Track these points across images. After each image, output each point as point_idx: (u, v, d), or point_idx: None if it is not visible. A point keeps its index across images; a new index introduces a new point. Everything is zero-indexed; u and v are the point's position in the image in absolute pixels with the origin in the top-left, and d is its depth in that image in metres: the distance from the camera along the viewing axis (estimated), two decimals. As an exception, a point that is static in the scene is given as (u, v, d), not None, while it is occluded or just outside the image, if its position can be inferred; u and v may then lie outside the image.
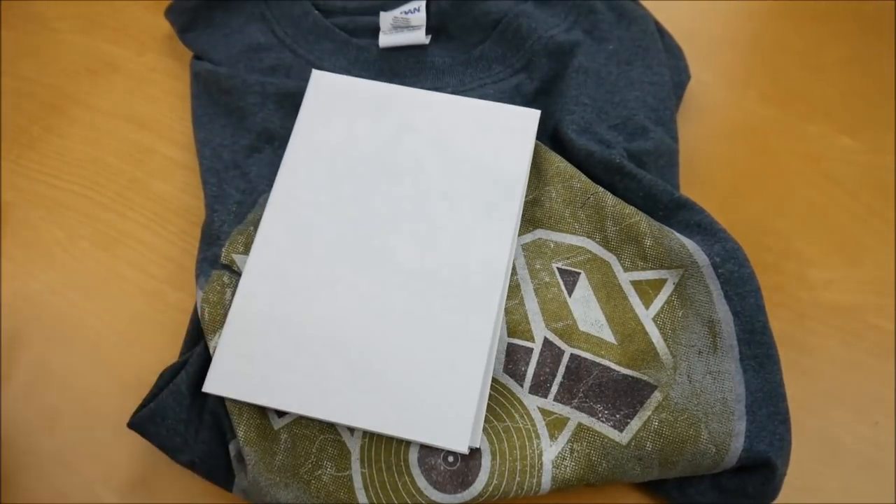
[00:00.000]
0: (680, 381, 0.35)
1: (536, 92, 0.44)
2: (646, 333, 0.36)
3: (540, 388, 0.35)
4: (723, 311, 0.36)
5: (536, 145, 0.40)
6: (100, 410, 0.39)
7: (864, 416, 0.38)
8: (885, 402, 0.38)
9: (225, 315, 0.37)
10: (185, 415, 0.36)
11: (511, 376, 0.36)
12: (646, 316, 0.36)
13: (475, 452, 0.34)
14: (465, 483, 0.33)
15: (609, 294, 0.37)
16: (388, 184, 0.40)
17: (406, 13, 0.45)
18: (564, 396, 0.35)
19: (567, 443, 0.34)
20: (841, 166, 0.45)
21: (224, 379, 0.35)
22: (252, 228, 0.39)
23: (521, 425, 0.35)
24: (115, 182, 0.46)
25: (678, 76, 0.45)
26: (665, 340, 0.36)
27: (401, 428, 0.34)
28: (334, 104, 0.42)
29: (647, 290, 0.37)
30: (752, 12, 0.51)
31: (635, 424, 0.34)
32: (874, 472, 0.37)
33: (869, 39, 0.49)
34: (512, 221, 0.38)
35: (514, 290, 0.38)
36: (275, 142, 0.42)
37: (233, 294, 0.37)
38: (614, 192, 0.39)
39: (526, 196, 0.40)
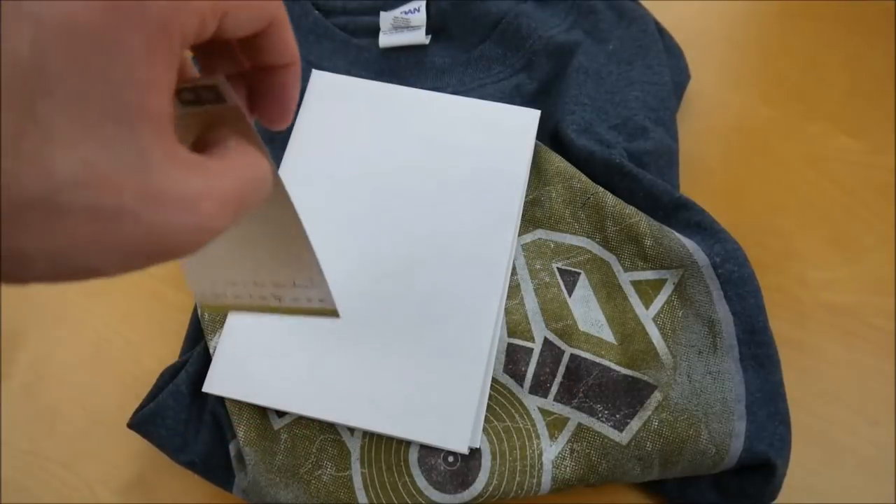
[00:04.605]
0: (680, 382, 0.35)
1: (536, 92, 0.44)
2: (646, 333, 0.36)
3: (540, 388, 0.35)
4: (723, 312, 0.36)
5: (536, 145, 0.40)
6: (100, 410, 0.39)
7: (864, 416, 0.38)
8: (885, 402, 0.38)
9: (225, 315, 0.37)
10: (185, 415, 0.36)
11: (511, 376, 0.36)
12: (646, 316, 0.36)
13: (475, 452, 0.34)
14: (465, 483, 0.33)
15: (609, 294, 0.37)
16: (388, 184, 0.40)
17: (406, 13, 0.45)
18: (564, 396, 0.35)
19: (567, 443, 0.34)
20: (841, 166, 0.45)
21: (224, 379, 0.35)
22: (252, 228, 0.39)
23: (521, 425, 0.35)
24: (115, 182, 0.46)
25: (678, 76, 0.45)
26: (665, 340, 0.36)
27: (401, 428, 0.34)
28: (334, 104, 0.42)
29: (647, 290, 0.37)
30: (752, 12, 0.51)
31: (635, 424, 0.34)
32: (874, 472, 0.37)
33: (869, 39, 0.49)
34: (512, 221, 0.38)
35: (514, 290, 0.38)
36: (275, 142, 0.42)
37: (233, 294, 0.37)
38: (614, 192, 0.39)
39: (526, 196, 0.40)
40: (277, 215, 0.28)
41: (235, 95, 0.22)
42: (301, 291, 0.30)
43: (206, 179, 0.18)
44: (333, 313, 0.31)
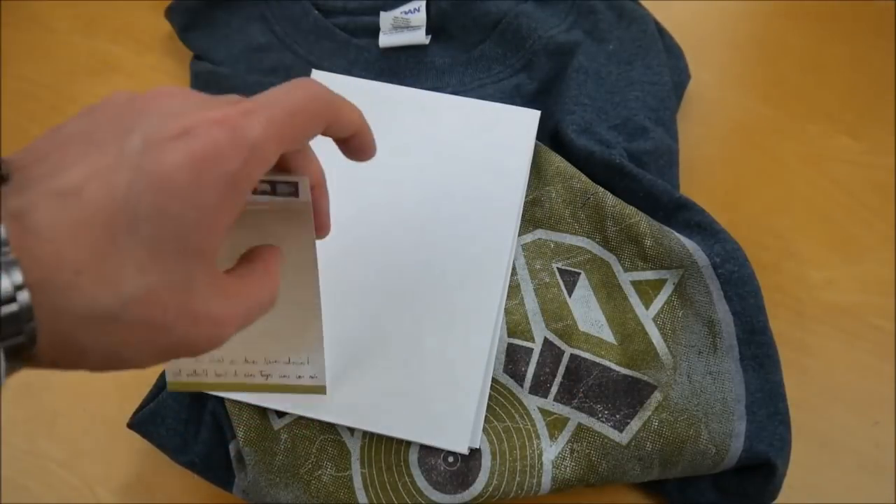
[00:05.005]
0: (680, 382, 0.35)
1: (536, 92, 0.44)
2: (646, 333, 0.36)
3: (540, 388, 0.35)
4: (723, 312, 0.36)
5: (536, 145, 0.40)
6: (100, 410, 0.39)
7: (864, 416, 0.38)
8: (885, 402, 0.38)
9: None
10: (185, 415, 0.36)
11: (511, 376, 0.36)
12: (646, 316, 0.36)
13: (475, 453, 0.34)
14: (465, 483, 0.33)
15: (609, 294, 0.37)
16: (388, 184, 0.40)
17: (406, 13, 0.45)
18: (564, 397, 0.35)
19: (567, 443, 0.34)
20: (841, 166, 0.45)
21: (224, 379, 0.35)
22: (252, 228, 0.39)
23: (521, 425, 0.35)
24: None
25: (678, 76, 0.45)
26: (665, 340, 0.36)
27: (401, 428, 0.34)
28: (334, 104, 0.42)
29: (647, 291, 0.37)
30: (752, 12, 0.51)
31: (635, 425, 0.34)
32: (874, 472, 0.37)
33: (869, 39, 0.49)
34: (512, 222, 0.38)
35: (514, 290, 0.38)
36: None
37: (233, 294, 0.37)
38: (614, 193, 0.39)
39: (526, 196, 0.40)
40: (300, 296, 0.29)
41: (310, 193, 0.26)
42: (293, 368, 0.31)
43: (230, 302, 0.22)
44: (321, 390, 0.32)
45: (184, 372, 0.30)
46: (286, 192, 0.25)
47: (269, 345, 0.30)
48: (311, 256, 0.29)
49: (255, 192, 0.25)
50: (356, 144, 0.28)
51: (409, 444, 0.34)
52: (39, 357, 0.19)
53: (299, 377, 0.31)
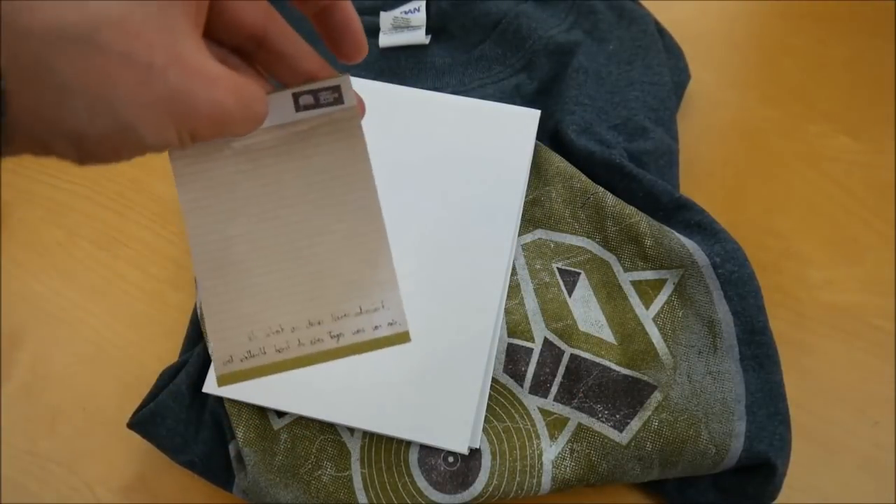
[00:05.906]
0: (680, 382, 0.35)
1: (536, 92, 0.44)
2: (646, 333, 0.36)
3: (540, 388, 0.35)
4: (723, 312, 0.36)
5: (536, 145, 0.40)
6: (100, 410, 0.39)
7: (864, 416, 0.38)
8: (885, 402, 0.38)
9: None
10: (185, 415, 0.36)
11: (511, 376, 0.36)
12: (646, 316, 0.36)
13: (475, 453, 0.34)
14: (465, 483, 0.33)
15: (609, 294, 0.37)
16: (388, 184, 0.39)
17: (406, 13, 0.45)
18: (564, 397, 0.35)
19: (567, 443, 0.34)
20: (841, 166, 0.45)
21: (224, 379, 0.35)
22: (252, 228, 0.39)
23: (521, 425, 0.35)
24: (115, 182, 0.46)
25: (678, 76, 0.45)
26: (665, 340, 0.36)
27: (401, 428, 0.34)
28: (334, 104, 0.42)
29: (647, 290, 0.37)
30: (752, 12, 0.51)
31: (635, 425, 0.34)
32: (874, 472, 0.37)
33: (869, 39, 0.49)
34: (512, 221, 0.38)
35: (514, 290, 0.38)
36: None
37: (233, 294, 0.37)
38: (614, 192, 0.39)
39: (526, 196, 0.40)
40: (359, 221, 0.26)
41: (355, 95, 0.25)
42: (366, 319, 0.26)
43: (223, 70, 0.21)
44: (404, 338, 0.27)
45: (236, 357, 0.25)
46: (329, 100, 0.25)
47: (332, 294, 0.26)
48: (366, 170, 0.26)
49: (297, 108, 0.25)
50: (342, 21, 0.26)
51: (409, 444, 0.34)
52: (17, 116, 0.18)
53: (376, 328, 0.26)
